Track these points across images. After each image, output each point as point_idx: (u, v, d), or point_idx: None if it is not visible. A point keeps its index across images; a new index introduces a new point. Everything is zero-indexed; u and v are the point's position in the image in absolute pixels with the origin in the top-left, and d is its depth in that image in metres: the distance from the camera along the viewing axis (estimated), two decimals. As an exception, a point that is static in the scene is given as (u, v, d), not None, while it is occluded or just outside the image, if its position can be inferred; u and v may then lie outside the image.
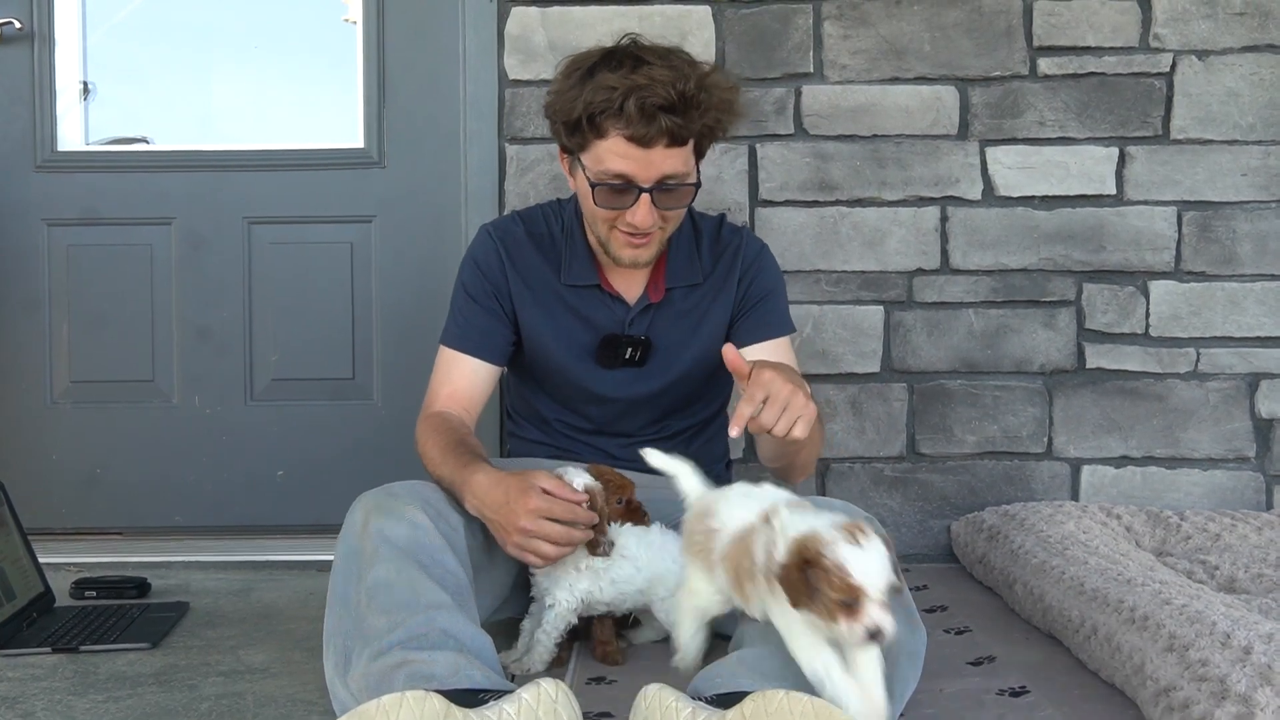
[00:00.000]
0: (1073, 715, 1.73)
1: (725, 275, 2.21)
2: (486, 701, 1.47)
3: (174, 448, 2.94)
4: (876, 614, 1.35)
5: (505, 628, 2.01)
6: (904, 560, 2.54)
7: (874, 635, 1.35)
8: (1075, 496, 2.82)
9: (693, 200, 2.07)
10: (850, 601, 1.35)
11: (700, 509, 1.72)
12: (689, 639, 1.76)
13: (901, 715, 1.70)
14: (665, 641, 2.01)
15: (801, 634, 1.45)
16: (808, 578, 1.39)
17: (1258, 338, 2.81)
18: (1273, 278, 2.81)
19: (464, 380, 2.15)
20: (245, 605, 2.41)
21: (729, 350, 1.76)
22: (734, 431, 1.70)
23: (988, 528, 2.56)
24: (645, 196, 1.97)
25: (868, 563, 1.37)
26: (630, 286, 2.17)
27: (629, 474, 2.05)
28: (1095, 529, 2.42)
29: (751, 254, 2.26)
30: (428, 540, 1.76)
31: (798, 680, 1.44)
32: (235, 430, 2.96)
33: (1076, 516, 2.49)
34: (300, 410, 2.97)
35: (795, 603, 1.40)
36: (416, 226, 2.97)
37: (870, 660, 1.44)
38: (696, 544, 1.68)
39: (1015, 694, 1.82)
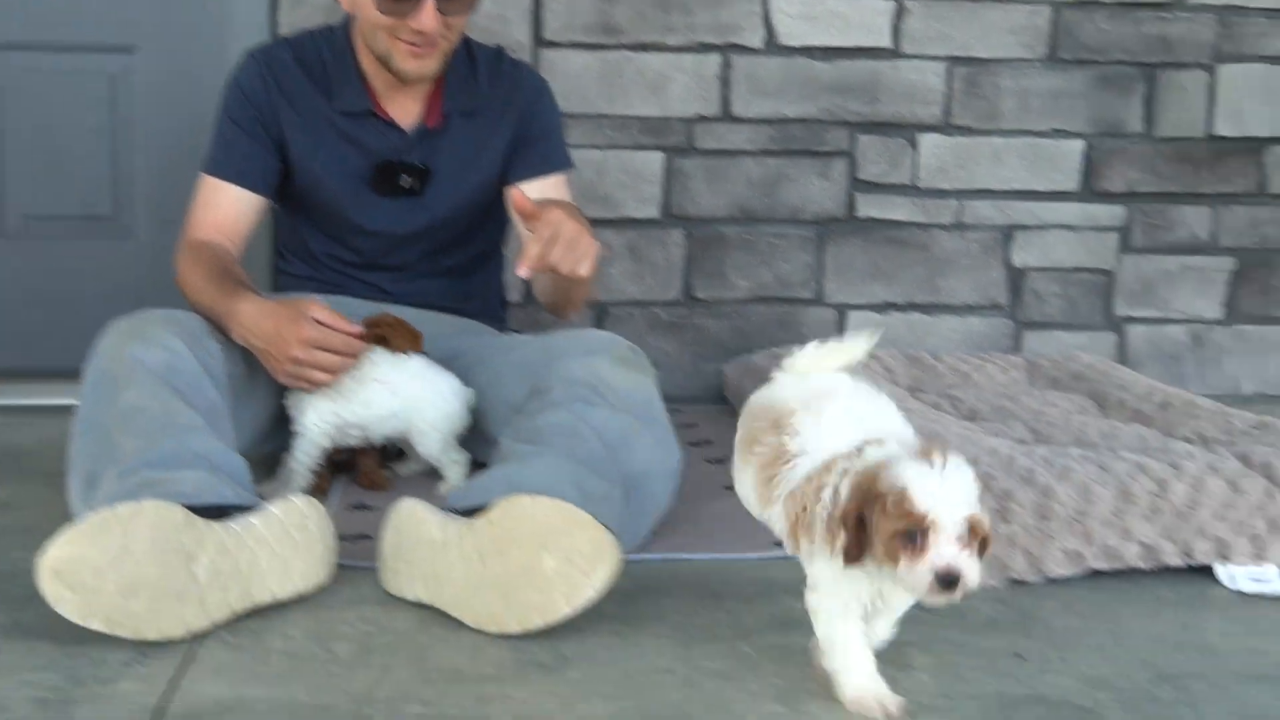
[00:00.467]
0: (814, 529, 1.83)
1: (504, 107, 2.18)
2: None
3: (-85, 287, 2.76)
4: (948, 551, 1.07)
5: (270, 461, 1.99)
6: (676, 402, 2.61)
7: (946, 582, 1.07)
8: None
9: (475, 7, 2.03)
10: (912, 532, 1.07)
11: (775, 410, 1.34)
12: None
13: (654, 532, 1.78)
14: (431, 474, 2.04)
15: (830, 593, 1.21)
16: (863, 518, 1.11)
17: (1015, 191, 2.95)
18: (1032, 133, 2.95)
19: (228, 209, 2.09)
20: (-10, 445, 2.32)
21: (517, 195, 1.77)
22: (524, 272, 1.70)
23: (757, 369, 2.64)
24: (429, 0, 1.92)
25: (939, 485, 1.08)
26: (406, 113, 2.12)
27: (402, 310, 2.05)
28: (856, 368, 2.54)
29: (531, 88, 2.24)
30: (184, 366, 1.72)
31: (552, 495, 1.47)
32: (-17, 269, 2.79)
33: (840, 357, 2.60)
34: (55, 249, 2.80)
35: (849, 555, 1.12)
36: (183, 58, 2.80)
37: None
38: (753, 451, 1.34)
39: (765, 513, 1.91)
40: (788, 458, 1.26)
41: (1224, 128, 2.99)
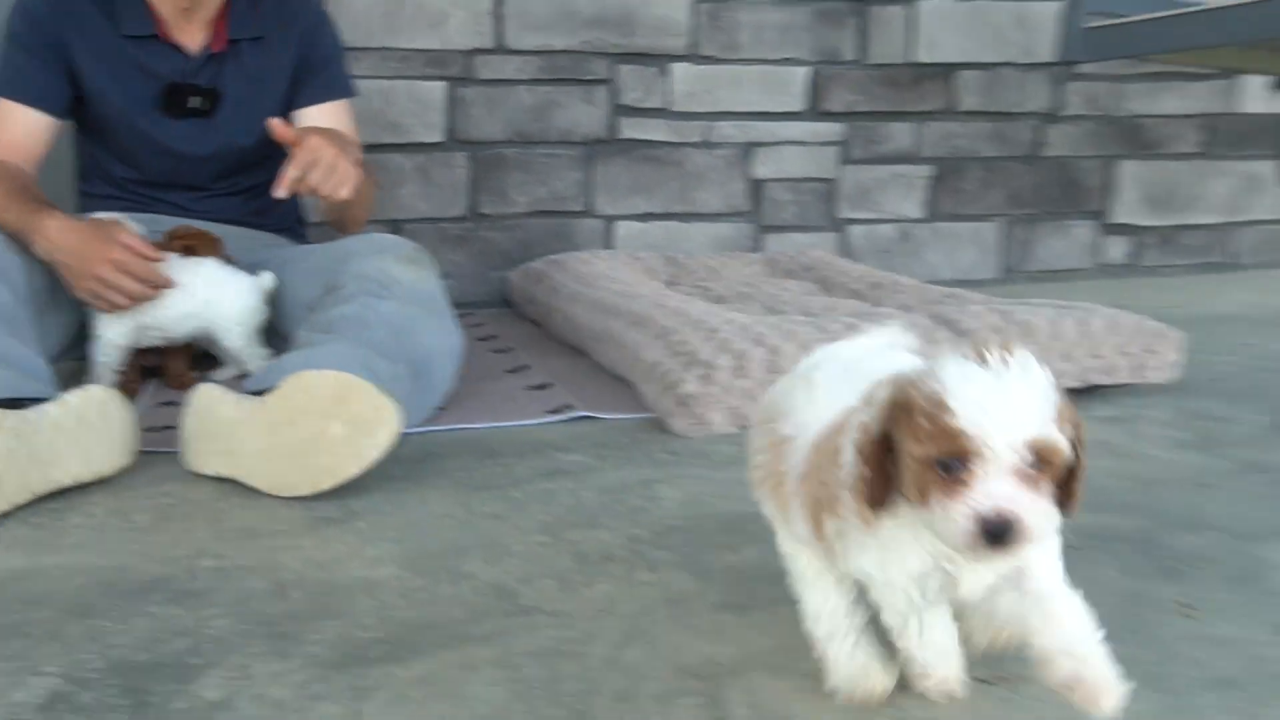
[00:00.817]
0: (582, 397, 1.82)
1: (286, 34, 2.04)
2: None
3: None
4: (999, 488, 0.67)
5: (80, 372, 1.85)
6: (466, 306, 2.57)
7: (993, 533, 0.67)
8: (610, 247, 2.93)
9: None
10: (949, 461, 0.68)
11: (767, 410, 0.91)
12: (826, 636, 0.87)
13: (441, 408, 1.73)
14: (242, 377, 1.93)
15: (881, 580, 0.78)
16: (890, 442, 0.72)
17: (754, 112, 2.98)
18: (766, 62, 2.97)
19: (20, 130, 1.90)
20: None
21: (276, 124, 1.68)
22: (280, 193, 1.63)
23: (536, 273, 2.61)
24: None
25: (991, 393, 0.67)
26: (191, 39, 1.97)
27: (204, 225, 1.92)
28: (621, 268, 2.53)
29: (313, 15, 2.11)
30: (-22, 275, 1.57)
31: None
32: None
33: (607, 260, 2.59)
34: None
35: (869, 496, 0.72)
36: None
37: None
38: (761, 469, 0.90)
39: (540, 388, 1.89)
40: (783, 442, 0.85)
41: (923, 55, 3.08)
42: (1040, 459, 0.67)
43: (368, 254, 1.78)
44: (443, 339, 1.72)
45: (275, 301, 1.91)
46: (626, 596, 1.07)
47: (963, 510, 0.67)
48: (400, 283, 1.73)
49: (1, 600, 1.05)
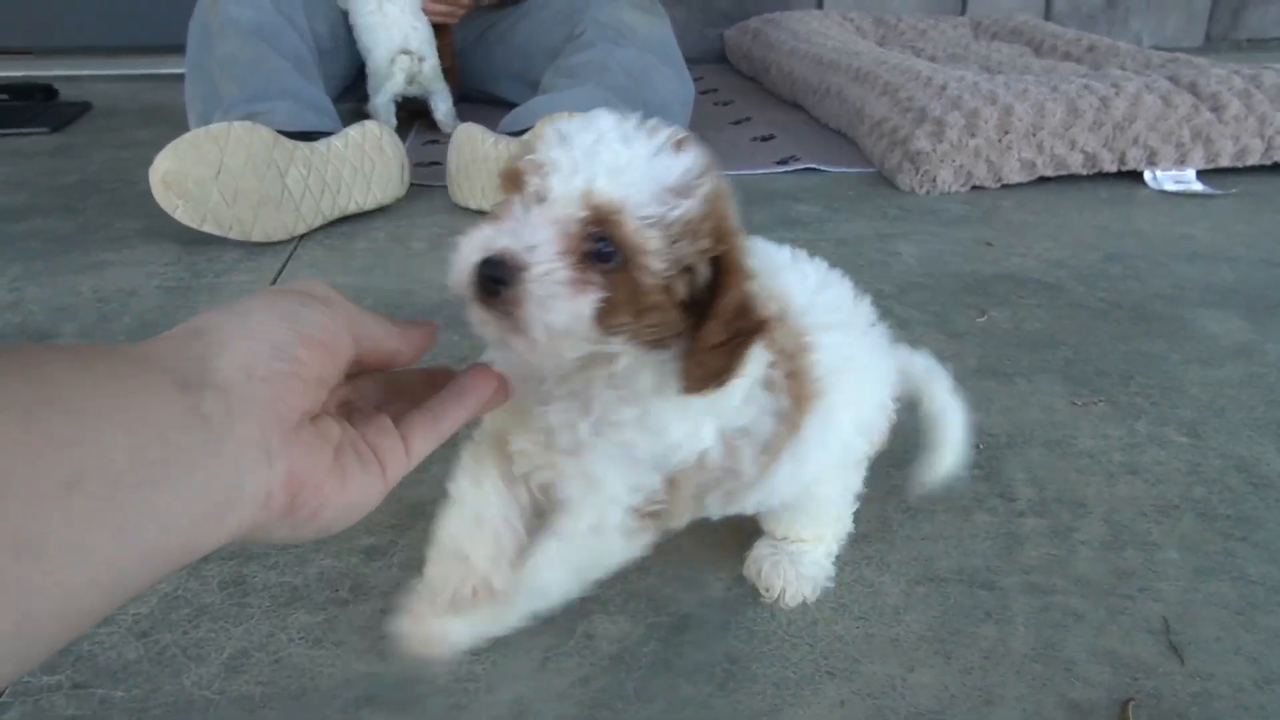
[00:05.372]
0: (805, 148, 1.55)
1: None
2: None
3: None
4: (527, 228, 0.39)
5: (357, 113, 1.69)
6: (687, 62, 2.25)
7: (489, 273, 0.38)
8: (820, 7, 2.51)
9: None
10: (510, 196, 0.42)
11: None
12: None
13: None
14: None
15: None
16: None
17: None
18: None
19: None
20: (138, 103, 2.00)
21: None
22: None
23: (752, 30, 2.26)
24: None
25: (582, 137, 0.40)
26: None
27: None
28: (833, 27, 2.15)
29: None
30: (269, 20, 1.39)
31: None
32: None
33: (820, 18, 2.21)
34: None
35: None
36: None
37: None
38: None
39: (765, 139, 1.63)
40: None
41: None
42: (602, 229, 0.38)
43: (604, 2, 1.52)
44: (676, 86, 1.47)
45: (521, 49, 1.68)
46: (877, 352, 0.86)
47: (473, 240, 0.39)
48: (636, 30, 1.47)
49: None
